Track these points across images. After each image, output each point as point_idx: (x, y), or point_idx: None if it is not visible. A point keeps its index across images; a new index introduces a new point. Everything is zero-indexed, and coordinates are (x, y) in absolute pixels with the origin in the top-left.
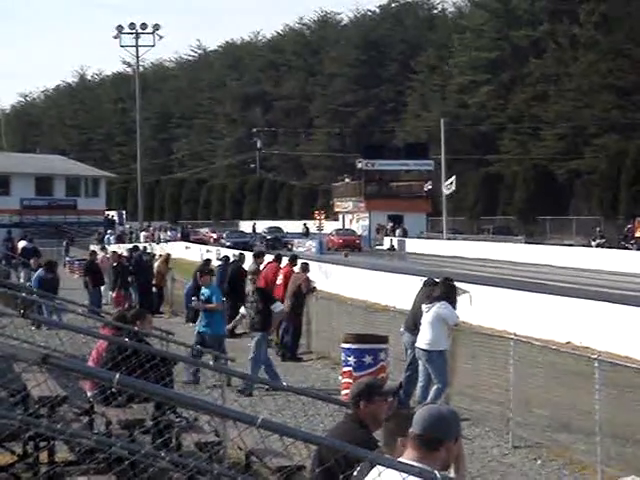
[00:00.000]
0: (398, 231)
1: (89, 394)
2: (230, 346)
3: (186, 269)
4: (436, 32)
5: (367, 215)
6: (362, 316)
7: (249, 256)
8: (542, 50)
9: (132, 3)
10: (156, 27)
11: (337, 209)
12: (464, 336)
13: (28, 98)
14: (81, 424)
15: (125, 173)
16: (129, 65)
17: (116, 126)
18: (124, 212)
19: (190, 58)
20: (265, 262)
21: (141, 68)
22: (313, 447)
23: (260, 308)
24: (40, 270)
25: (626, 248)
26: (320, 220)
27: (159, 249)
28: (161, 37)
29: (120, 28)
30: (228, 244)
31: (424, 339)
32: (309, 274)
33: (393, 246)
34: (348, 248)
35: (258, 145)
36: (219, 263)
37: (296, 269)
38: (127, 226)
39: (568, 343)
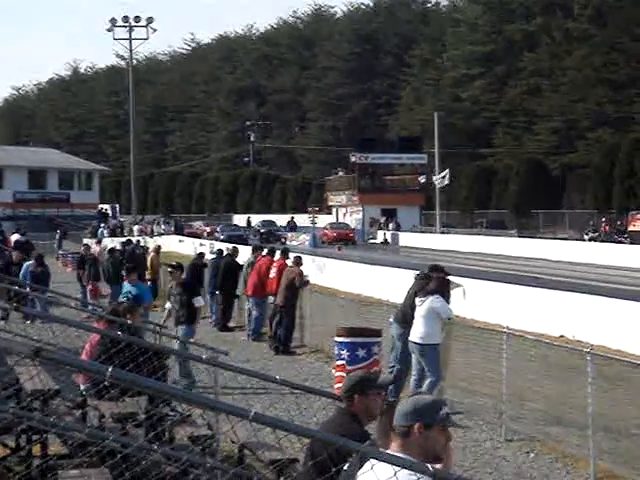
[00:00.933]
0: (391, 225)
1: (82, 387)
2: (224, 339)
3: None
4: (430, 26)
5: (360, 209)
6: (355, 310)
7: (242, 249)
8: (536, 44)
9: None
10: (150, 20)
11: (330, 203)
12: (457, 330)
13: (21, 91)
14: (74, 417)
15: (118, 166)
16: (122, 58)
17: (109, 119)
18: (117, 205)
19: (184, 51)
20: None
21: (135, 61)
22: (306, 440)
23: (184, 302)
24: (29, 263)
25: (620, 242)
26: (314, 215)
27: (152, 242)
28: (155, 30)
29: (113, 21)
30: (222, 237)
31: (417, 333)
32: (302, 268)
33: (386, 240)
34: (342, 242)
35: (252, 138)
36: (213, 256)
37: (289, 262)
38: (122, 219)
39: (561, 337)
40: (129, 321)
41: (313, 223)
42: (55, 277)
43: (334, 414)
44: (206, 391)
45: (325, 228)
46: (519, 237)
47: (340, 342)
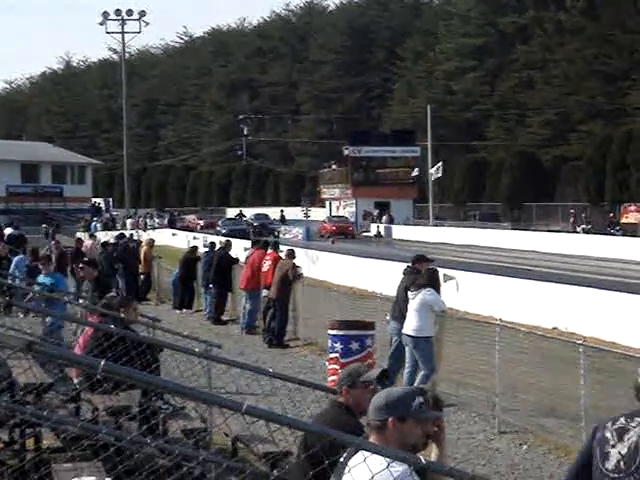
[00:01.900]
0: (385, 217)
1: (75, 381)
2: (217, 333)
3: (173, 256)
4: (422, 18)
5: (354, 202)
6: (349, 302)
7: (236, 243)
8: (528, 36)
9: None
10: (142, 13)
11: (324, 196)
12: (450, 322)
13: (13, 85)
14: (67, 411)
15: (111, 160)
16: (115, 52)
17: (102, 113)
18: (110, 199)
19: (176, 44)
20: (251, 249)
21: (127, 55)
22: (299, 433)
23: (96, 298)
24: (20, 257)
25: (612, 234)
26: (307, 208)
27: (146, 236)
28: (147, 23)
29: (106, 14)
30: (224, 232)
31: (410, 326)
32: (295, 261)
33: (380, 232)
34: (341, 235)
35: (245, 132)
36: (206, 250)
37: (282, 256)
38: (115, 213)
39: (554, 329)
40: (122, 315)
41: (306, 216)
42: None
43: (327, 406)
44: (199, 384)
45: (324, 221)
46: (512, 230)
47: (333, 335)
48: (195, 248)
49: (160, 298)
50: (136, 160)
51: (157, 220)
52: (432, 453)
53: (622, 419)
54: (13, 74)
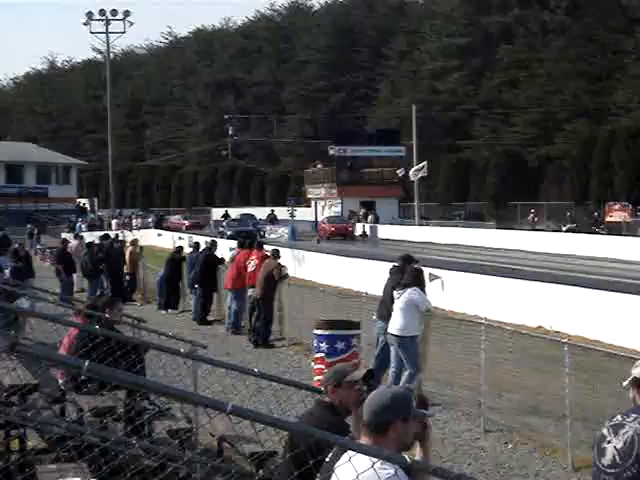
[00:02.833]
0: (370, 217)
1: (60, 382)
2: (203, 333)
3: (159, 256)
4: (407, 18)
5: (339, 201)
6: (334, 302)
7: (222, 243)
8: (512, 36)
9: None
10: (126, 13)
11: (309, 195)
12: (436, 321)
13: None
14: (52, 412)
15: (96, 160)
16: (99, 52)
17: (87, 113)
18: (96, 200)
19: (161, 45)
20: (236, 249)
21: (112, 55)
22: (285, 433)
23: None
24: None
25: (597, 233)
26: (293, 208)
27: (131, 236)
28: (132, 23)
29: (90, 14)
30: (229, 233)
31: (396, 325)
32: (281, 260)
33: (365, 232)
34: (340, 236)
35: (230, 132)
36: (191, 250)
37: (267, 254)
38: (100, 213)
39: (539, 327)
40: (107, 315)
41: (292, 216)
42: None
43: (313, 406)
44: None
45: (323, 222)
46: (497, 229)
47: (319, 334)
48: (180, 248)
49: (145, 298)
50: (121, 160)
51: (142, 220)
52: (417, 452)
53: (618, 416)
54: None
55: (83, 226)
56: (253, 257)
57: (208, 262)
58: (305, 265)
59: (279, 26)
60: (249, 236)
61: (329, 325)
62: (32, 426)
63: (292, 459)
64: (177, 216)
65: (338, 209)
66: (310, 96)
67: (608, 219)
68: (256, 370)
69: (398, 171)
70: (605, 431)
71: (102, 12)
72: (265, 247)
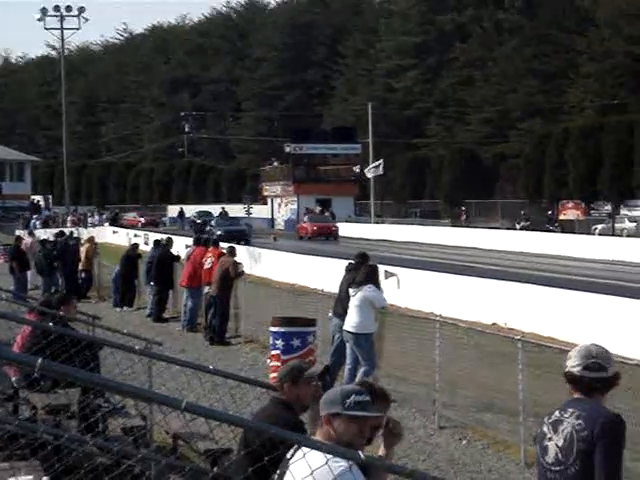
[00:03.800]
0: (327, 215)
1: (13, 379)
2: (158, 330)
3: (114, 254)
4: (363, 16)
5: (295, 199)
6: (290, 299)
7: (177, 240)
8: (467, 35)
9: None
10: (81, 10)
11: (265, 193)
12: (391, 318)
13: None
14: (5, 410)
15: (51, 157)
16: (54, 48)
17: (42, 110)
18: (50, 197)
19: (116, 41)
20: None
21: (67, 51)
22: (240, 430)
23: None
24: None
25: (550, 231)
26: (249, 205)
27: (86, 233)
28: (86, 20)
29: (44, 10)
30: (219, 233)
31: (351, 322)
32: (237, 258)
33: None
34: (324, 236)
35: (186, 129)
36: (152, 246)
37: (224, 252)
38: (55, 210)
39: (493, 324)
40: (61, 312)
41: (248, 213)
42: None
43: (268, 403)
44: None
45: (303, 221)
46: (452, 226)
47: (275, 332)
48: (136, 246)
49: (101, 296)
50: (76, 157)
51: (97, 217)
52: (380, 450)
53: (557, 412)
54: None
55: (37, 223)
56: (209, 255)
57: (163, 259)
58: (261, 263)
59: (235, 23)
60: (240, 236)
61: (285, 322)
62: None
63: (246, 456)
64: (133, 213)
65: (294, 207)
66: (266, 94)
67: (561, 217)
68: (211, 367)
69: (354, 169)
70: (545, 428)
71: (56, 8)
72: (221, 244)
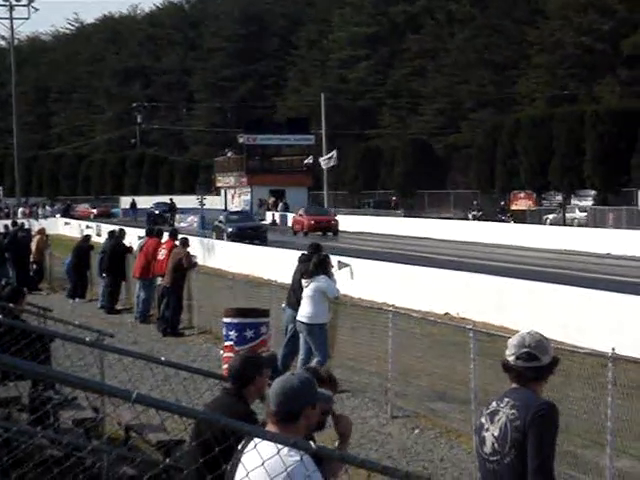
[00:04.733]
0: (280, 205)
1: None
2: (111, 322)
3: (66, 245)
4: (316, 7)
5: (249, 190)
6: (244, 290)
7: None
8: (420, 26)
9: None
10: None
11: (219, 184)
12: (344, 309)
13: None
14: None
15: (2, 148)
16: (3, 38)
17: None
18: (1, 188)
19: (67, 32)
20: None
21: (16, 41)
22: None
23: None
24: None
25: (502, 221)
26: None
27: (38, 225)
28: (36, 9)
29: None
30: (231, 230)
31: (305, 313)
32: (190, 249)
33: (275, 221)
34: (322, 230)
35: (138, 120)
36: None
37: (177, 244)
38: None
39: (446, 314)
40: (11, 304)
41: (201, 205)
42: None
43: (220, 394)
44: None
45: (299, 214)
46: (405, 217)
47: (228, 323)
48: (88, 237)
49: (52, 287)
50: (27, 148)
51: (49, 209)
52: (336, 441)
53: (494, 402)
54: None
55: None
56: (163, 246)
57: (116, 251)
58: (215, 254)
59: (187, 13)
60: (257, 234)
61: (238, 313)
62: None
63: (198, 447)
64: (85, 205)
65: (248, 197)
66: (219, 84)
67: (513, 207)
68: (163, 359)
69: (306, 161)
70: (483, 419)
71: None
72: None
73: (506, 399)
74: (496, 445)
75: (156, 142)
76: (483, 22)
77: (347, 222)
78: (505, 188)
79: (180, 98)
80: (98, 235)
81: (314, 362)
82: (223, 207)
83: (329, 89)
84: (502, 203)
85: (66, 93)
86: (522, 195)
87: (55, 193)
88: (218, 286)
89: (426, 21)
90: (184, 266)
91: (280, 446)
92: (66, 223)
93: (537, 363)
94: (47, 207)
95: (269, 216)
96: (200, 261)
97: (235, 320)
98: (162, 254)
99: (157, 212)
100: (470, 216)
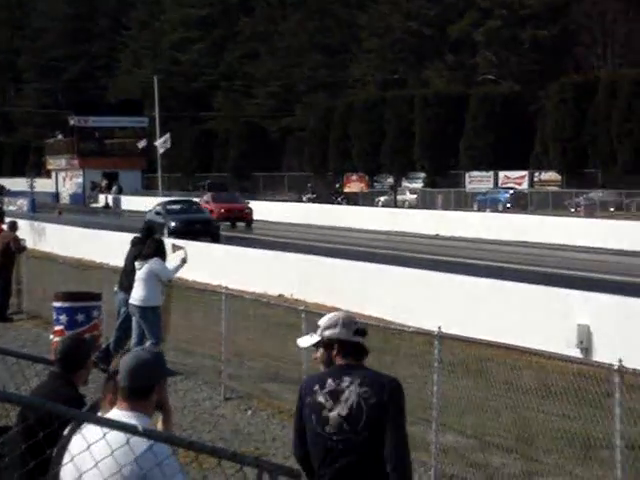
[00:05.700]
0: (114, 188)
1: None
2: None
3: None
4: None
5: (81, 172)
6: (75, 274)
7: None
8: (252, 9)
9: None
10: None
11: (50, 167)
12: (178, 291)
13: None
14: None
15: None
16: None
17: None
18: None
19: None
20: None
21: None
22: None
23: None
24: None
25: (336, 203)
26: (33, 180)
27: None
28: None
29: None
30: (173, 224)
31: (137, 296)
32: (18, 233)
33: (108, 204)
34: (233, 220)
35: None
36: None
37: (4, 227)
38: None
39: (280, 296)
40: None
41: (31, 188)
42: None
43: (47, 378)
44: None
45: (206, 201)
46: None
47: (58, 307)
48: None
49: None
50: None
51: None
52: (159, 421)
53: (330, 381)
54: None
55: None
56: None
57: None
58: (46, 237)
59: None
60: (207, 229)
61: (68, 297)
62: None
63: (21, 432)
64: None
65: (80, 180)
66: (48, 65)
67: (346, 190)
68: None
69: (138, 144)
70: (321, 399)
71: None
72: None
73: (347, 377)
74: (345, 425)
75: None
76: (315, 5)
77: None
78: (338, 171)
79: (7, 78)
80: None
81: (147, 345)
82: (54, 190)
83: (162, 71)
84: (337, 186)
85: None
86: (355, 177)
87: None
88: (49, 270)
89: (259, 3)
90: (12, 250)
91: (106, 429)
92: None
93: (365, 339)
94: None
95: (102, 199)
96: (30, 245)
97: (66, 304)
98: None
99: None
100: (304, 198)
